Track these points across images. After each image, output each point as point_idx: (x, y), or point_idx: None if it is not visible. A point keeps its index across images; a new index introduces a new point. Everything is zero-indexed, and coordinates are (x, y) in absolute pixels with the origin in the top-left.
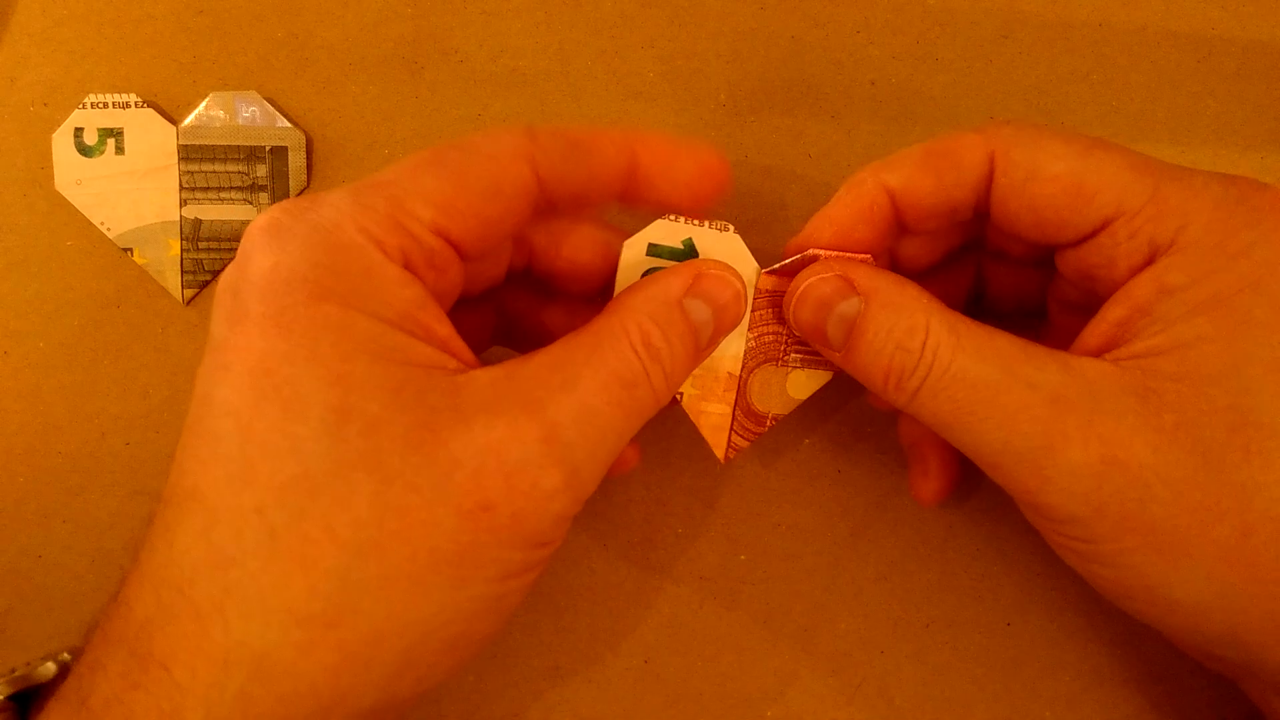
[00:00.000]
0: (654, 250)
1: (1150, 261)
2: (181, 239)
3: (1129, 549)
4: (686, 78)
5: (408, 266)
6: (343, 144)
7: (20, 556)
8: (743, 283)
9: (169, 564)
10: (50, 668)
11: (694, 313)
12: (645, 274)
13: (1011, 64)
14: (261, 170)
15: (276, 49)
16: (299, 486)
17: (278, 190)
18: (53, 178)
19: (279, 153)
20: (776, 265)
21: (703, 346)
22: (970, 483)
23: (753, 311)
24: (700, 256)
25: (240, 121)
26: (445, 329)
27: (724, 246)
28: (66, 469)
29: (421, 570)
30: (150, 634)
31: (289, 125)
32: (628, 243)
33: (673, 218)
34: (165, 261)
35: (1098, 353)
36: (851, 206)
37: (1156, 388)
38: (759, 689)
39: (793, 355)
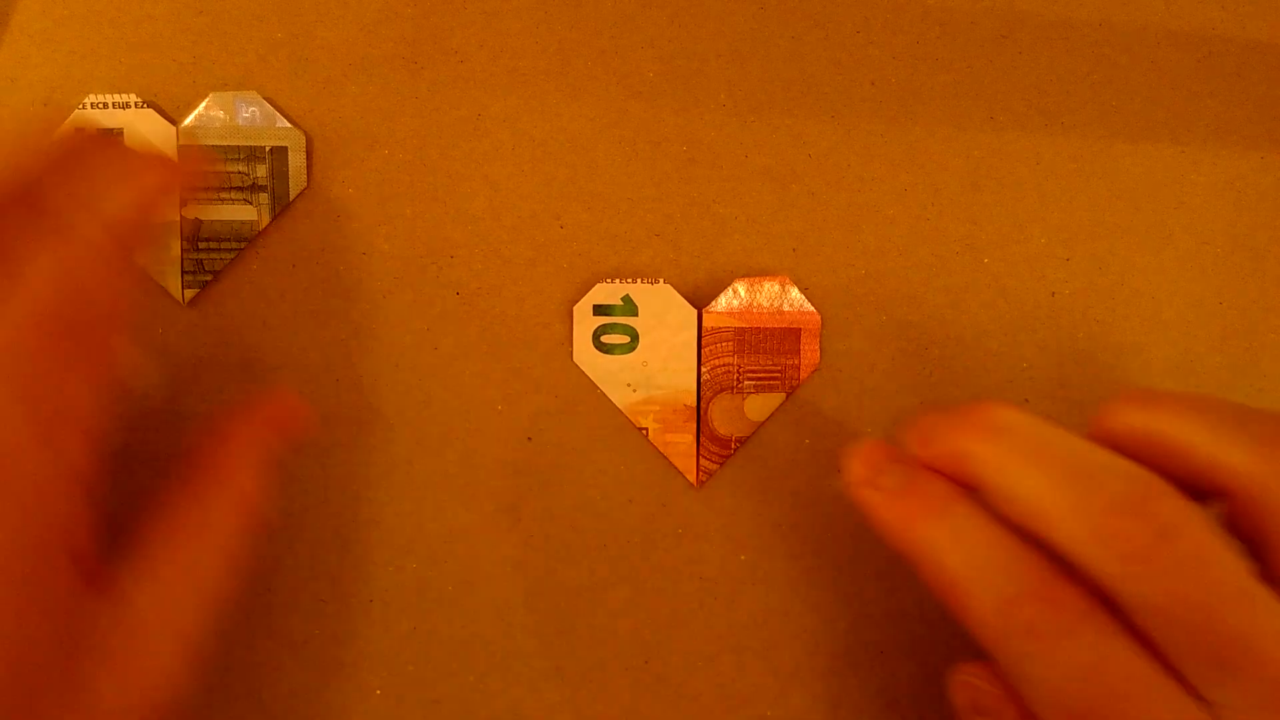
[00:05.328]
0: (600, 310)
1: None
2: (182, 239)
3: None
4: (686, 78)
5: None
6: (343, 144)
7: None
8: None
9: None
10: None
11: None
12: (595, 331)
13: (1011, 64)
14: (261, 170)
15: (276, 49)
16: None
17: (278, 190)
18: None
19: (279, 153)
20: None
21: None
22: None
23: (703, 347)
24: (639, 309)
25: (240, 121)
26: None
27: (660, 297)
28: None
29: None
30: None
31: (289, 125)
32: (577, 306)
33: (610, 280)
34: (165, 262)
35: None
36: None
37: None
38: (759, 689)
39: (746, 382)
